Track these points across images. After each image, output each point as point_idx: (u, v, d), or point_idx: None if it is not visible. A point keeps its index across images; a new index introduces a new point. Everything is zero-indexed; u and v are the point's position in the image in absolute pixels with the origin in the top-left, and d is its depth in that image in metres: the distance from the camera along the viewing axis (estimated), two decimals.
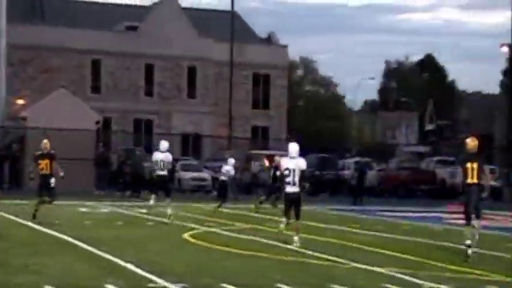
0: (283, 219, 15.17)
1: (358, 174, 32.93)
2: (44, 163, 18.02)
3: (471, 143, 13.74)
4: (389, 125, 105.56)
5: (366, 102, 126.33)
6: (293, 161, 14.88)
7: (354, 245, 14.96)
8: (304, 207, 15.78)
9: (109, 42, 54.27)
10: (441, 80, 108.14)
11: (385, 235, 17.48)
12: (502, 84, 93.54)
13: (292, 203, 14.96)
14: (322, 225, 18.11)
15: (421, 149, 74.44)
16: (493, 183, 13.60)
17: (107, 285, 9.46)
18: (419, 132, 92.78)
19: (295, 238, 14.67)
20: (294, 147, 15.07)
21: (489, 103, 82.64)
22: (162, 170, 20.17)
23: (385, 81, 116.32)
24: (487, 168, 13.83)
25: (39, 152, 18.28)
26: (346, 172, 39.38)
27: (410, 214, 25.41)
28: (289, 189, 14.83)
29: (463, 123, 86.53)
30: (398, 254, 13.47)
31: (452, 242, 15.92)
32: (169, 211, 19.44)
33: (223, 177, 24.99)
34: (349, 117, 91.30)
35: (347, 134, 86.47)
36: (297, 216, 15.01)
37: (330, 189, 39.34)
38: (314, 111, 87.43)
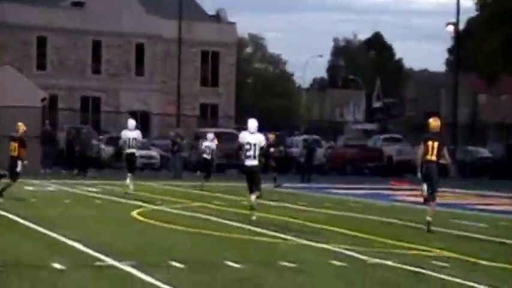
0: (249, 195, 15.70)
1: (306, 151, 33.12)
2: (13, 145, 18.35)
3: (433, 123, 14.48)
4: (338, 102, 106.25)
5: (314, 80, 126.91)
6: (253, 136, 15.47)
7: (302, 222, 15.08)
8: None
9: (55, 18, 53.49)
10: (389, 58, 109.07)
11: (332, 212, 17.65)
12: (448, 63, 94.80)
13: (252, 175, 15.58)
14: (270, 203, 18.19)
15: (369, 126, 75.05)
16: (442, 161, 14.33)
17: (53, 264, 9.40)
18: (367, 110, 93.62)
19: (253, 197, 15.46)
20: (253, 123, 15.63)
21: (436, 81, 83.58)
22: (131, 148, 20.68)
23: (334, 59, 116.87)
24: (445, 148, 14.44)
25: (13, 134, 18.65)
26: (294, 150, 39.59)
27: (358, 191, 25.67)
28: (249, 162, 15.41)
29: (410, 101, 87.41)
30: (345, 231, 13.62)
31: (398, 218, 16.16)
32: (131, 186, 20.73)
33: (205, 155, 25.22)
34: (297, 95, 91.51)
35: (296, 112, 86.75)
36: (256, 187, 15.69)
37: (278, 166, 39.51)
38: (263, 89, 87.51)
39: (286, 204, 19.04)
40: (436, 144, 14.16)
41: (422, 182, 14.35)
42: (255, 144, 15.45)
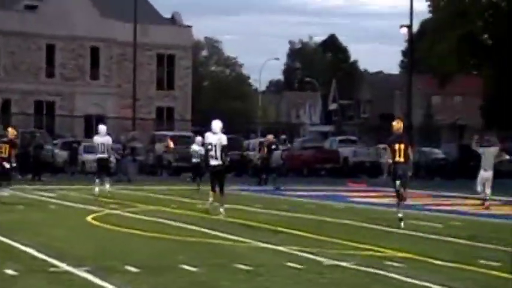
0: (210, 193, 16.50)
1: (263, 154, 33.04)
2: (4, 147, 19.44)
3: (396, 125, 15.26)
4: (294, 104, 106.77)
5: (270, 83, 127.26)
6: (216, 136, 16.16)
7: (258, 224, 15.07)
8: (206, 188, 15.89)
9: (8, 21, 52.83)
10: (344, 60, 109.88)
11: (289, 214, 17.67)
12: (402, 64, 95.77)
13: (216, 175, 16.36)
14: (227, 206, 18.12)
15: (325, 128, 75.49)
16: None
17: (6, 270, 9.26)
18: (323, 112, 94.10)
19: (221, 209, 16.08)
20: (217, 124, 16.32)
21: (390, 83, 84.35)
22: (103, 153, 21.43)
23: (290, 61, 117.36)
24: (410, 148, 15.27)
25: (4, 138, 20.18)
26: (251, 153, 39.61)
27: (314, 193, 25.77)
28: (213, 162, 16.19)
29: (365, 102, 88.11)
30: (301, 233, 13.64)
31: (354, 219, 16.24)
32: (108, 188, 21.66)
33: (194, 159, 25.65)
34: (254, 97, 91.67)
35: (252, 114, 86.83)
36: (221, 189, 16.40)
37: (236, 169, 39.54)
38: (219, 92, 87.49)
39: (242, 207, 19.02)
40: (402, 146, 14.93)
41: (394, 180, 15.09)
42: (215, 145, 15.97)
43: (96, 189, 21.47)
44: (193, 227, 14.31)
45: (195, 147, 25.86)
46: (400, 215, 14.94)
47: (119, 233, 13.50)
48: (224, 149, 16.19)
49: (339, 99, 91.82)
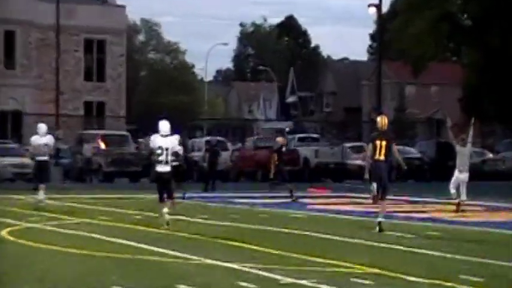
0: (160, 205, 16.89)
1: (209, 155, 33.12)
2: None
3: (381, 121, 16.20)
4: (246, 97, 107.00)
5: (218, 72, 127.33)
6: (166, 139, 16.59)
7: (205, 238, 15.08)
8: (146, 196, 15.91)
9: None
10: (304, 45, 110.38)
11: (240, 225, 17.72)
12: (371, 50, 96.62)
13: (164, 183, 16.86)
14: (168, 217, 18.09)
15: (282, 124, 75.68)
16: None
17: None
18: (280, 106, 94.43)
19: (165, 209, 16.60)
20: (165, 125, 16.70)
21: (357, 71, 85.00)
22: (44, 155, 21.82)
23: (241, 47, 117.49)
24: (394, 146, 16.32)
25: None
26: (196, 154, 39.57)
27: (270, 200, 25.83)
28: (161, 168, 16.65)
29: (329, 94, 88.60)
30: (255, 247, 13.69)
31: (315, 230, 16.32)
32: (41, 196, 21.70)
33: (203, 164, 25.89)
34: (199, 89, 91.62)
35: (198, 109, 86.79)
36: (170, 196, 17.07)
37: (180, 174, 39.49)
38: (158, 83, 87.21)
39: (186, 218, 19.01)
40: (384, 143, 15.88)
41: (371, 182, 16.07)
42: (167, 149, 16.49)
43: (40, 194, 21.89)
44: (129, 242, 14.27)
45: (197, 153, 26.19)
46: (380, 219, 15.98)
47: (40, 250, 13.40)
48: (177, 154, 17.02)
49: (298, 91, 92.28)
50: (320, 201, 25.96)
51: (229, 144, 45.91)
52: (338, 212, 21.29)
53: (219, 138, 44.43)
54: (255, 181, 40.09)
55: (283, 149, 27.66)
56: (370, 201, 22.92)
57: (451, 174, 21.55)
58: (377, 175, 16.22)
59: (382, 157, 15.91)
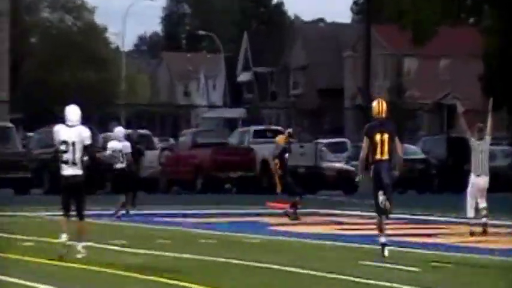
0: (63, 221, 16.87)
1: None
2: None
3: (378, 106, 16.63)
4: (181, 74, 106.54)
5: (141, 39, 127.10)
6: (72, 131, 16.75)
7: (126, 272, 15.02)
8: (38, 214, 15.78)
9: None
10: (262, 1, 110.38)
11: (175, 255, 17.67)
12: (356, 9, 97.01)
13: (73, 192, 16.79)
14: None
15: (232, 113, 75.80)
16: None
17: None
18: (229, 87, 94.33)
19: (80, 246, 16.51)
20: (75, 111, 16.89)
21: (337, 39, 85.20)
22: None
23: (172, 4, 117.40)
24: (398, 140, 16.81)
25: None
26: (106, 153, 39.35)
27: (214, 219, 25.90)
28: (68, 171, 16.68)
29: (298, 70, 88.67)
30: (194, 285, 13.66)
31: (277, 262, 16.33)
32: None
33: (117, 165, 27.35)
34: (114, 62, 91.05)
35: (111, 90, 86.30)
36: (80, 212, 16.86)
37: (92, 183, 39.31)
38: (56, 54, 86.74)
39: (100, 245, 18.92)
40: (385, 136, 16.37)
41: (376, 189, 16.35)
42: (74, 143, 16.64)
43: None
44: (10, 279, 14.17)
45: (114, 144, 26.80)
46: (382, 239, 16.60)
47: None
48: (88, 150, 16.88)
49: (253, 66, 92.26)
50: (286, 220, 25.92)
51: (156, 141, 45.81)
52: (309, 236, 21.30)
53: (141, 131, 44.25)
54: (193, 192, 39.98)
55: (286, 155, 27.46)
56: (374, 221, 22.66)
57: (467, 183, 21.64)
58: (379, 181, 16.43)
59: (386, 156, 16.36)
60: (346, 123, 71.68)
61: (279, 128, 50.12)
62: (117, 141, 27.57)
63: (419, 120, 71.17)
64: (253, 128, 48.25)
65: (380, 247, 16.75)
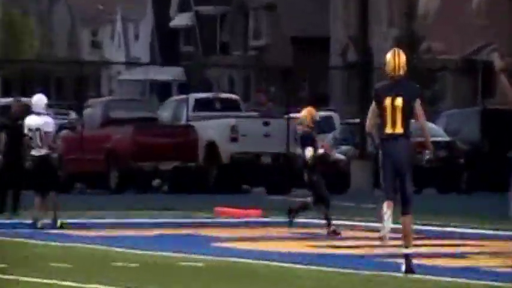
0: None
1: (7, 138, 32.98)
2: None
3: (393, 60, 17.43)
4: (86, 14, 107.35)
5: None
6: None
7: None
8: None
9: None
10: None
11: (70, 285, 17.58)
12: None
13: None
14: None
15: (163, 73, 76.35)
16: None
17: None
18: (158, 35, 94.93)
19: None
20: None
21: None
22: None
23: None
24: (417, 104, 17.16)
25: None
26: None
27: (137, 233, 26.33)
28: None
29: (260, 10, 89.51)
30: None
31: None
32: None
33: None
34: None
35: None
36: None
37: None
38: None
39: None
40: (399, 101, 16.88)
41: (385, 179, 16.96)
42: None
43: None
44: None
45: (32, 120, 27.00)
46: (406, 250, 17.43)
47: None
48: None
49: (194, 4, 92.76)
50: (240, 233, 25.96)
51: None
52: (281, 257, 21.31)
53: (26, 99, 44.08)
54: (104, 191, 40.13)
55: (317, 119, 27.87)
56: (377, 237, 22.56)
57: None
58: (394, 165, 16.81)
59: (400, 129, 16.76)
60: (333, 90, 72.24)
61: (233, 96, 50.35)
62: (36, 116, 27.44)
63: (441, 85, 71.37)
64: (194, 96, 48.41)
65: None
